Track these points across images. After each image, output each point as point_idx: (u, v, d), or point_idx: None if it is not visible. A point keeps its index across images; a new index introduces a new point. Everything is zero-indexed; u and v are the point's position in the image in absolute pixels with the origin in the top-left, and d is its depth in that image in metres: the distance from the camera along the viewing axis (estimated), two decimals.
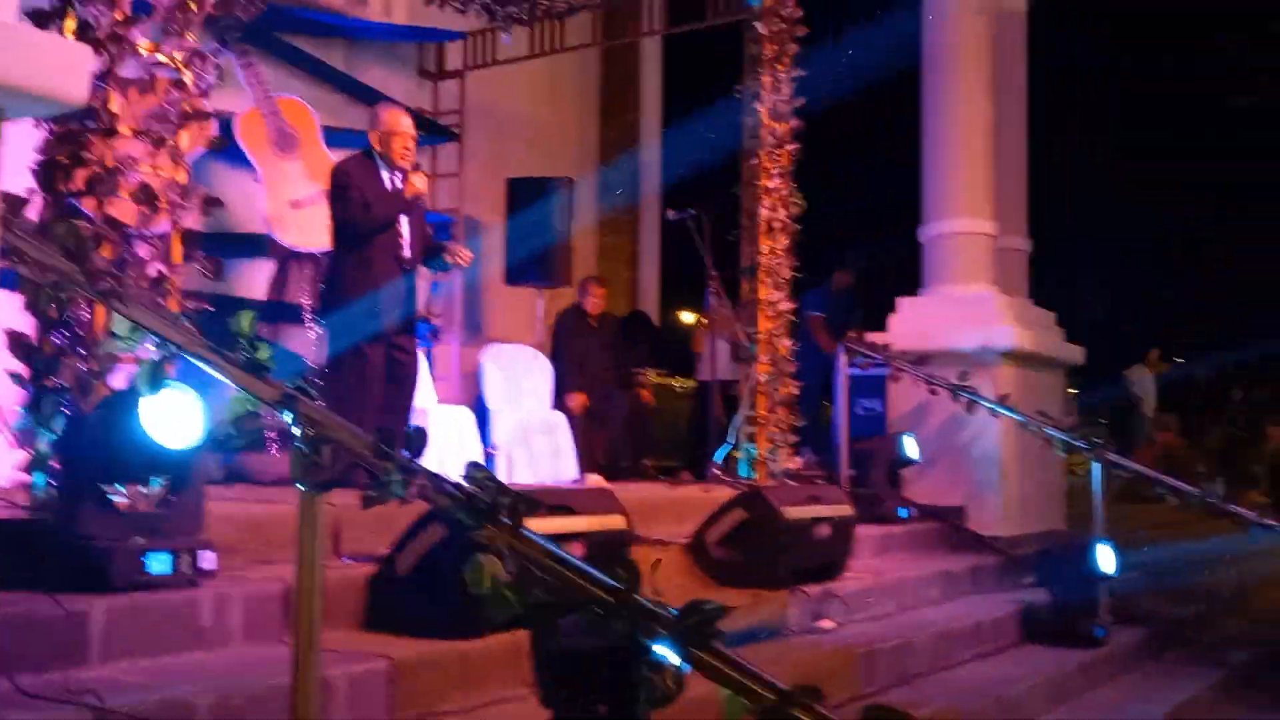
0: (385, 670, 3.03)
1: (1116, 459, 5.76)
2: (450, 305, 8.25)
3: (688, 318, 15.39)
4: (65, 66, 2.77)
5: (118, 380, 3.42)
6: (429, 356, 7.12)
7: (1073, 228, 17.24)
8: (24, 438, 3.31)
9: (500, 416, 7.03)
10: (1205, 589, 7.39)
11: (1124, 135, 18.84)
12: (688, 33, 8.48)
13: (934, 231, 7.83)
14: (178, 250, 3.73)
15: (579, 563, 2.32)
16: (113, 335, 3.23)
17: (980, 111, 7.69)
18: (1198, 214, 18.72)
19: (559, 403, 7.52)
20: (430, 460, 2.45)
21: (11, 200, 2.92)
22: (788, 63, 6.88)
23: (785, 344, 6.90)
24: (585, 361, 7.76)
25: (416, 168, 5.29)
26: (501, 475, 6.37)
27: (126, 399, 3.12)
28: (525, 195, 8.01)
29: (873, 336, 7.44)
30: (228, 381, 2.43)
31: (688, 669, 2.16)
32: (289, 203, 6.36)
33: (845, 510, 5.23)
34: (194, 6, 3.73)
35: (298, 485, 2.34)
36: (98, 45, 3.47)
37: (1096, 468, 5.70)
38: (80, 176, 3.50)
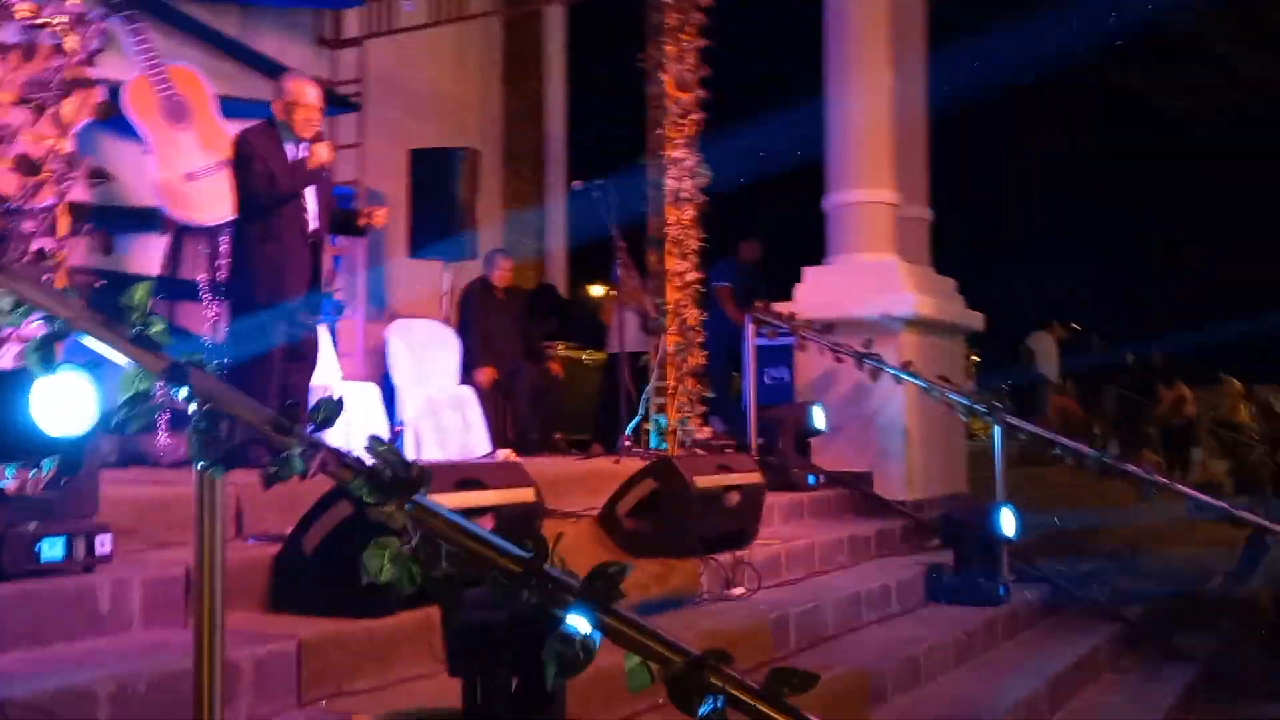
0: (292, 651, 2.97)
1: (1015, 422, 5.91)
2: (354, 280, 8.10)
3: (596, 290, 15.36)
4: None
5: (4, 359, 3.29)
6: (333, 332, 6.99)
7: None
8: None
9: (407, 392, 6.94)
10: (1102, 546, 7.66)
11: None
12: (591, 0, 8.42)
13: (837, 200, 7.92)
14: (64, 223, 3.59)
15: (486, 534, 2.29)
16: None
17: (882, 81, 7.78)
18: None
19: (467, 377, 7.45)
20: (336, 438, 2.41)
21: None
22: (692, 31, 6.87)
23: (693, 315, 6.93)
24: (493, 335, 7.69)
25: (320, 138, 5.18)
26: (410, 451, 6.31)
27: (12, 378, 2.99)
28: (428, 166, 7.88)
29: (779, 306, 7.51)
30: (118, 357, 2.34)
31: (598, 637, 2.16)
32: (182, 175, 6.16)
33: (754, 478, 5.28)
34: None
35: (195, 463, 2.27)
36: None
37: (997, 431, 5.85)
38: None
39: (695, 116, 6.89)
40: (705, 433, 6.89)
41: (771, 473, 5.98)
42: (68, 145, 3.64)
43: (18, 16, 3.46)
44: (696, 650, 2.14)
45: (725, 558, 4.80)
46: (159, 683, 2.63)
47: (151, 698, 2.61)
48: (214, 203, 6.12)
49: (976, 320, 8.57)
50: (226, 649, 2.32)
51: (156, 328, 2.38)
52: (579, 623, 2.15)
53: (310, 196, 5.18)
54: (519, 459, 5.75)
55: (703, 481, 4.85)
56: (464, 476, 3.76)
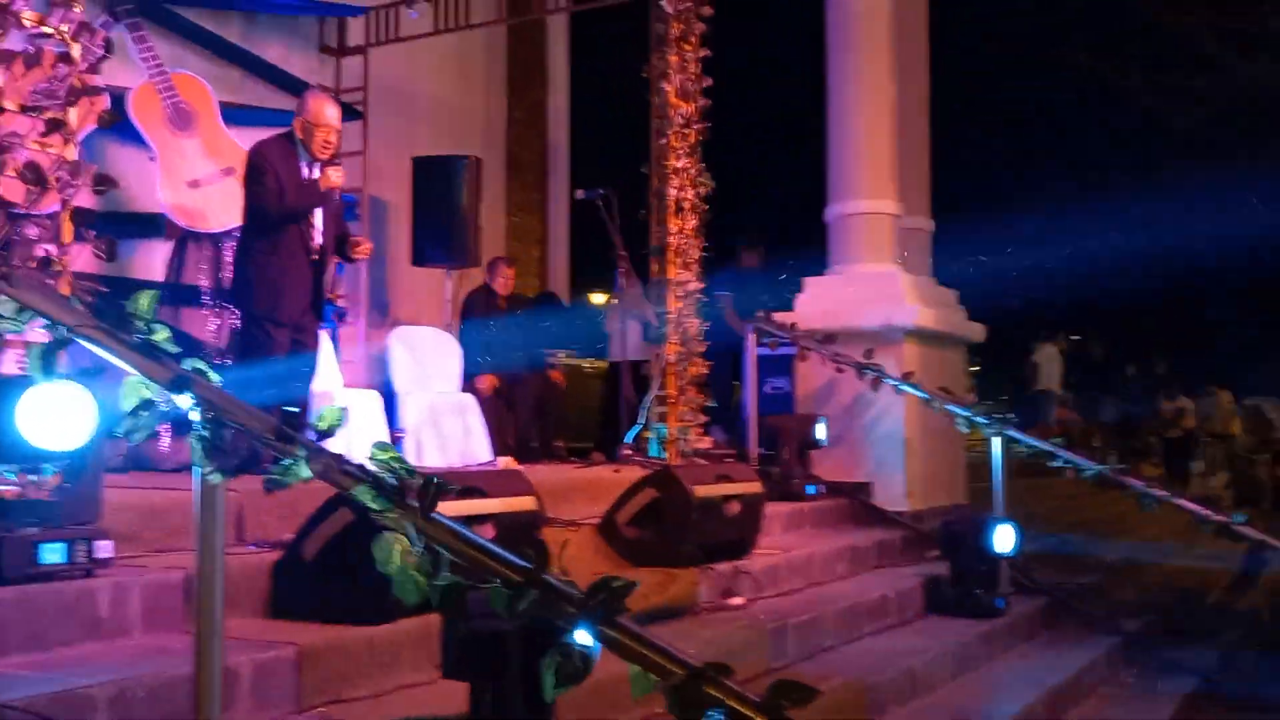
0: (292, 657, 2.98)
1: (1016, 434, 5.91)
2: (356, 287, 8.12)
3: (598, 298, 15.38)
4: None
5: (7, 364, 3.30)
6: (335, 339, 7.00)
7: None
8: None
9: (409, 399, 6.95)
10: (1100, 559, 7.66)
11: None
12: (594, 10, 8.44)
13: (839, 211, 7.93)
14: (68, 230, 3.61)
15: (487, 543, 2.30)
16: None
17: (884, 93, 7.80)
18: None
19: (468, 385, 7.46)
20: (338, 445, 2.41)
21: None
22: (695, 42, 6.88)
23: (694, 324, 6.94)
24: (494, 343, 7.70)
25: (334, 161, 5.16)
26: (411, 458, 6.30)
27: (16, 384, 3.00)
28: (431, 174, 7.91)
29: (780, 316, 7.51)
30: (121, 364, 2.36)
31: (598, 648, 2.16)
32: (186, 183, 6.18)
33: (754, 488, 5.28)
34: None
35: (197, 471, 2.28)
36: None
37: (997, 443, 5.85)
38: None
39: (698, 126, 6.91)
40: (706, 442, 6.89)
41: (771, 482, 5.98)
42: (73, 153, 3.66)
43: (24, 25, 3.48)
44: (697, 662, 2.14)
45: (725, 567, 4.80)
46: (158, 688, 2.64)
47: (151, 703, 2.62)
48: (218, 210, 6.14)
49: (977, 331, 8.58)
50: (226, 655, 2.33)
51: (161, 335, 2.40)
52: (579, 634, 2.16)
53: (319, 216, 5.16)
54: (520, 467, 5.75)
55: (703, 491, 4.86)
56: (465, 484, 3.77)
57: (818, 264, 8.08)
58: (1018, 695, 4.67)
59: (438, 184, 7.86)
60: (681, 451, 6.68)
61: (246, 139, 6.39)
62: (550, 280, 10.58)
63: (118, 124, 5.79)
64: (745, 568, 4.89)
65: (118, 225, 6.18)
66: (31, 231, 3.51)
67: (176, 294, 6.21)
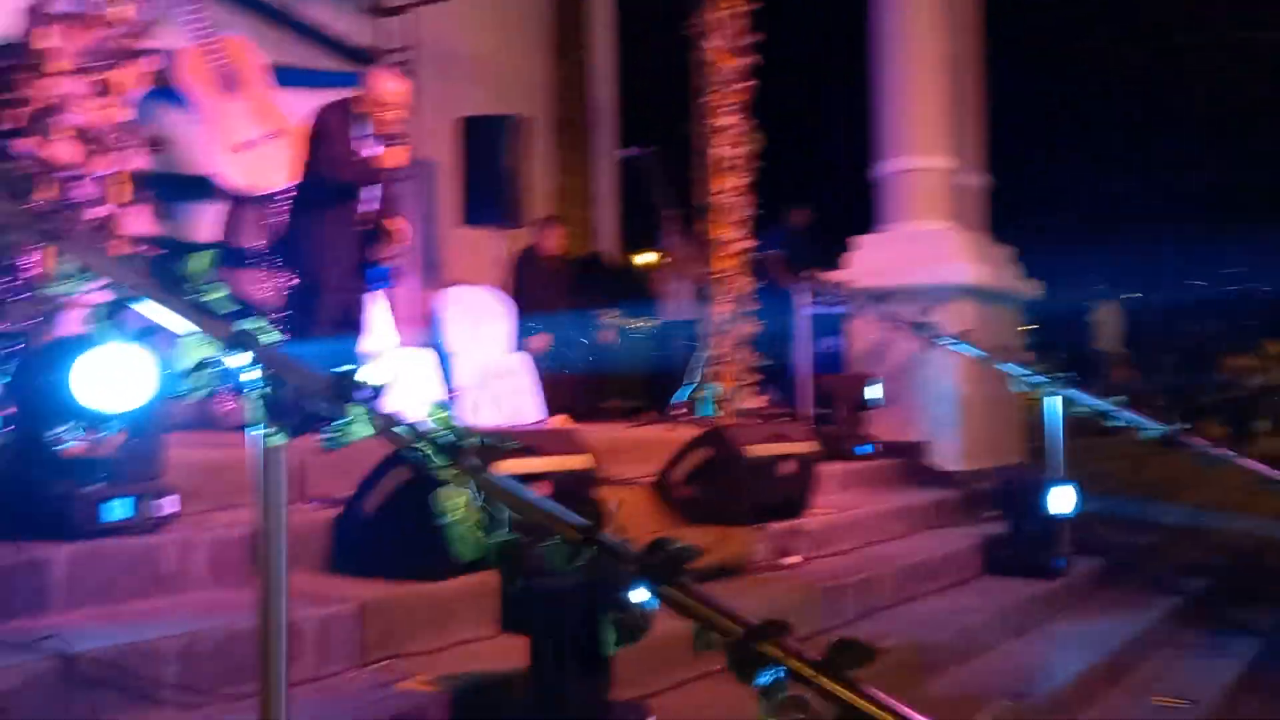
0: (353, 612, 3.00)
1: (1076, 393, 5.80)
2: (409, 248, 8.12)
3: (647, 258, 15.33)
4: None
5: (67, 324, 3.34)
6: (390, 299, 7.02)
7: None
8: None
9: (461, 359, 6.97)
10: (1160, 521, 7.53)
11: None
12: None
13: (890, 168, 7.81)
14: (122, 191, 3.62)
15: (544, 501, 2.29)
16: (57, 278, 3.13)
17: (935, 44, 7.63)
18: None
19: (520, 344, 7.46)
20: (395, 403, 2.41)
21: None
22: None
23: (744, 283, 6.88)
24: (545, 303, 7.70)
25: (397, 139, 5.09)
26: (466, 417, 6.33)
27: (79, 345, 3.03)
28: (479, 134, 7.87)
29: (831, 275, 7.43)
30: (180, 324, 2.36)
31: (655, 605, 2.15)
32: (234, 145, 6.20)
33: (808, 447, 5.24)
34: None
35: (257, 429, 2.29)
36: None
37: (1056, 402, 5.75)
38: (16, 116, 3.38)
39: (744, 83, 6.81)
40: (759, 401, 6.86)
41: (825, 441, 5.93)
42: (126, 114, 3.67)
43: None
44: (754, 620, 2.12)
45: (779, 526, 4.78)
46: (224, 641, 2.67)
47: (217, 656, 2.65)
48: (266, 171, 6.15)
49: (1033, 289, 8.43)
50: (289, 610, 2.34)
51: (218, 294, 2.40)
52: (638, 592, 2.15)
53: (375, 189, 5.13)
54: (573, 426, 5.75)
55: (755, 450, 4.83)
56: (520, 443, 3.77)
57: (868, 223, 7.97)
58: (1079, 656, 4.62)
59: (485, 144, 7.83)
60: (734, 410, 6.65)
61: (294, 101, 6.40)
62: (598, 240, 10.53)
63: (169, 87, 5.83)
64: (800, 527, 4.87)
65: (172, 187, 6.22)
66: (87, 192, 3.52)
67: (229, 255, 6.25)
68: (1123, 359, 13.65)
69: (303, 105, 6.02)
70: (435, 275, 8.32)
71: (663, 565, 2.16)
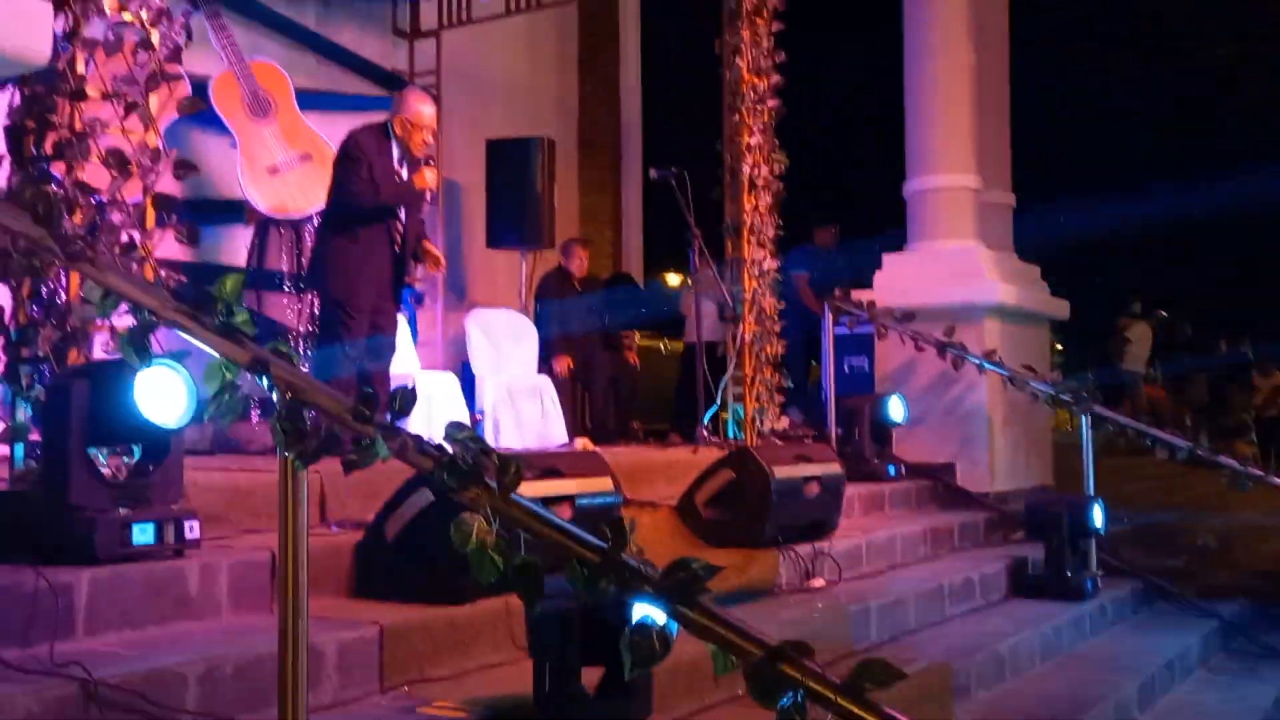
0: (375, 636, 3.00)
1: (1104, 412, 5.75)
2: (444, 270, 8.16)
3: (673, 278, 15.33)
4: (25, 25, 2.69)
5: (94, 349, 3.37)
6: (412, 322, 7.06)
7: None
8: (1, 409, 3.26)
9: (486, 381, 6.98)
10: (1194, 541, 7.43)
11: None
12: None
13: (918, 187, 7.78)
14: (152, 216, 3.65)
15: (564, 523, 2.28)
16: (85, 302, 3.16)
17: (963, 64, 7.61)
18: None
19: (545, 366, 7.47)
20: (417, 426, 2.42)
21: None
22: (768, 15, 6.79)
23: (770, 303, 6.87)
24: (570, 324, 7.71)
25: (429, 161, 5.15)
26: (489, 440, 6.34)
27: (107, 368, 3.06)
28: (505, 156, 7.91)
29: (858, 294, 7.39)
30: (202, 346, 2.38)
31: (675, 628, 2.13)
32: (266, 169, 6.26)
33: (834, 469, 5.21)
34: None
35: (279, 452, 2.30)
36: (59, 4, 3.38)
37: (1085, 422, 5.70)
38: (48, 141, 3.41)
39: (771, 103, 6.81)
40: (784, 422, 6.83)
41: (851, 463, 5.90)
42: (154, 139, 3.70)
43: (104, 12, 3.53)
44: (775, 641, 2.10)
45: (804, 549, 4.74)
46: (246, 666, 2.68)
47: (238, 680, 2.66)
48: (297, 195, 6.21)
49: (1061, 308, 8.36)
50: (311, 634, 2.34)
51: (241, 317, 2.41)
52: (657, 615, 2.13)
53: (404, 213, 5.16)
54: (596, 448, 5.75)
55: (781, 471, 4.80)
56: (543, 465, 3.77)
57: (895, 241, 7.94)
58: (1109, 680, 4.55)
59: (511, 166, 7.87)
60: (759, 432, 6.62)
61: (322, 125, 6.46)
62: (624, 261, 10.54)
63: (200, 112, 5.89)
64: (826, 549, 4.83)
65: (201, 212, 6.29)
66: (115, 218, 3.55)
67: (259, 279, 6.30)
68: (1152, 378, 13.51)
69: (332, 129, 6.08)
70: (459, 297, 8.36)
71: (681, 586, 2.15)
